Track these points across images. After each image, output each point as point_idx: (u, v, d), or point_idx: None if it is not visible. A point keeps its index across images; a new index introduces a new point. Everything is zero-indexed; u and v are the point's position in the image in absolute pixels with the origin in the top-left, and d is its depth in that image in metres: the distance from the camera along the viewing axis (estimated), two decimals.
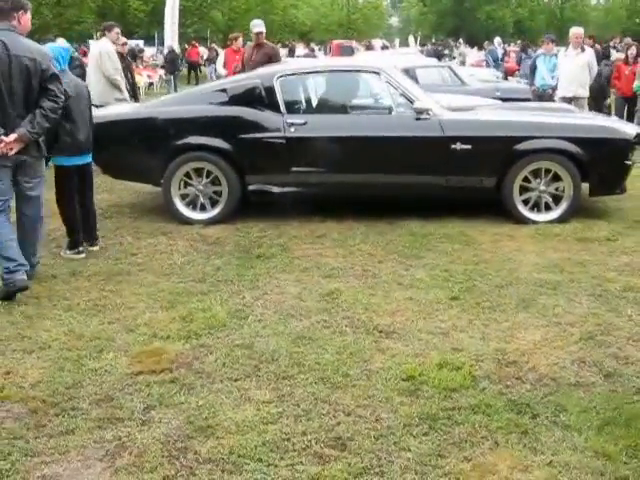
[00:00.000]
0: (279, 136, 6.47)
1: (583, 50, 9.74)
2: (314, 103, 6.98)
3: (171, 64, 24.87)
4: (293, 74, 6.83)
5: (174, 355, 3.86)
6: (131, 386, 3.53)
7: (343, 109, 6.84)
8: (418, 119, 6.39)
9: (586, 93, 9.68)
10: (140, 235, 6.33)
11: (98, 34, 9.85)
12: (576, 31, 9.71)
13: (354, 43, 30.21)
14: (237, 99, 6.61)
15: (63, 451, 2.98)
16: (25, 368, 3.74)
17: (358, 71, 6.93)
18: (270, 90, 6.55)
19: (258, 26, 9.19)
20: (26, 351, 3.96)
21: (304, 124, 6.48)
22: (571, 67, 9.60)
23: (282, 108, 6.53)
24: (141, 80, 22.69)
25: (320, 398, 3.38)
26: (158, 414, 3.26)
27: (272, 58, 8.91)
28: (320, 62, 9.40)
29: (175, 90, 22.06)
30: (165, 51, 27.37)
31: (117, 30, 9.23)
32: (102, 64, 8.76)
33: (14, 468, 2.86)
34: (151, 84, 26.16)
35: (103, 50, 8.88)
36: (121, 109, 7.48)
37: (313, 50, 39.58)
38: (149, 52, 33.57)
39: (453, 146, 6.32)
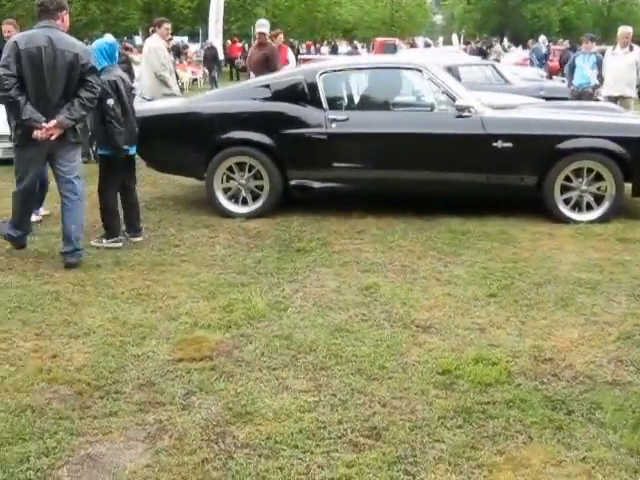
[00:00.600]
0: (321, 132, 6.53)
1: (632, 49, 9.61)
2: (356, 100, 7.03)
3: (211, 61, 25.11)
4: (336, 71, 6.89)
5: (214, 344, 3.95)
6: (172, 372, 3.63)
7: (385, 106, 6.88)
8: (460, 116, 6.40)
9: (633, 93, 9.56)
10: (183, 227, 6.46)
11: (150, 30, 10.07)
12: (624, 30, 9.60)
13: (397, 41, 30.12)
14: (280, 95, 6.69)
15: (106, 432, 3.09)
16: (71, 352, 3.88)
17: (400, 68, 6.95)
18: (313, 86, 6.62)
19: (260, 26, 9.35)
20: (72, 336, 4.09)
21: (346, 120, 6.53)
22: (619, 66, 9.48)
23: (324, 104, 6.59)
24: (185, 76, 23.02)
25: (356, 389, 3.43)
26: (198, 399, 3.35)
27: (269, 59, 9.12)
28: (362, 59, 9.40)
29: (216, 86, 22.24)
30: (205, 47, 27.68)
31: (167, 26, 9.34)
32: (150, 60, 8.94)
33: (60, 446, 2.97)
34: (195, 80, 26.49)
35: (152, 46, 9.05)
36: (167, 104, 7.63)
37: (356, 47, 39.62)
38: (193, 48, 33.99)
39: (494, 144, 6.31)
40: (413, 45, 30.29)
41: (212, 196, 6.79)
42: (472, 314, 4.38)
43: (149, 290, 4.86)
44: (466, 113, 6.39)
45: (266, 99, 6.74)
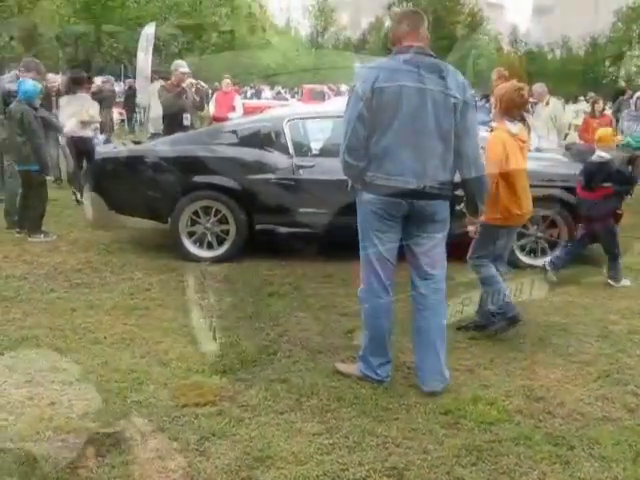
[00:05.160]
0: (288, 177, 6.66)
1: (547, 104, 10.09)
2: (322, 146, 7.19)
3: (131, 102, 24.70)
4: (302, 118, 7.05)
5: (215, 388, 3.96)
6: (180, 418, 3.62)
7: None
8: None
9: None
10: (149, 271, 6.42)
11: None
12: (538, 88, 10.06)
13: (325, 88, 30.70)
14: (247, 140, 6.79)
15: None
16: (68, 399, 3.80)
17: None
18: (279, 133, 6.77)
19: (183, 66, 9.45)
20: (65, 383, 4.01)
21: (312, 167, 6.68)
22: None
23: (291, 150, 6.73)
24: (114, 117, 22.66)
25: (367, 430, 3.52)
26: (214, 445, 3.35)
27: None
28: (327, 107, 9.62)
29: (133, 129, 22.03)
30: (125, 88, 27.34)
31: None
32: None
33: None
34: (122, 121, 26.08)
35: None
36: (132, 147, 7.60)
37: (279, 93, 40.06)
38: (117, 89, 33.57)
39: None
40: (339, 93, 30.86)
41: (177, 239, 6.78)
42: (458, 356, 4.54)
43: (132, 335, 4.81)
44: None
45: (233, 144, 6.83)
